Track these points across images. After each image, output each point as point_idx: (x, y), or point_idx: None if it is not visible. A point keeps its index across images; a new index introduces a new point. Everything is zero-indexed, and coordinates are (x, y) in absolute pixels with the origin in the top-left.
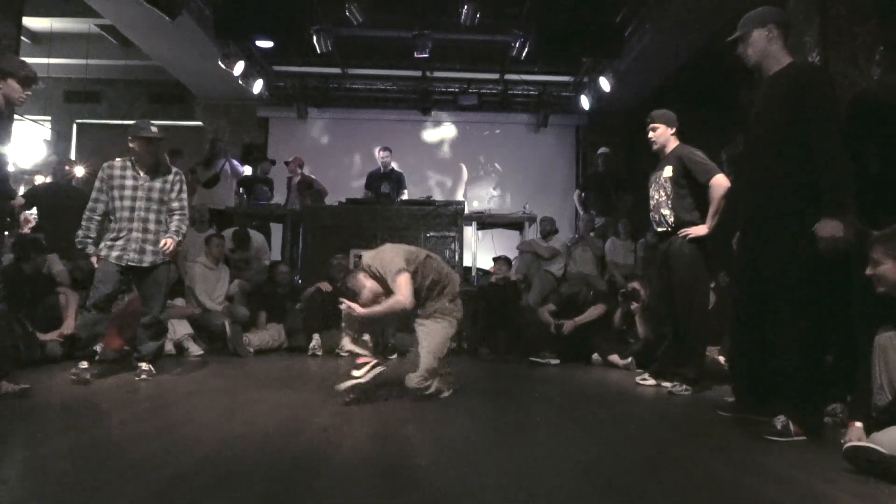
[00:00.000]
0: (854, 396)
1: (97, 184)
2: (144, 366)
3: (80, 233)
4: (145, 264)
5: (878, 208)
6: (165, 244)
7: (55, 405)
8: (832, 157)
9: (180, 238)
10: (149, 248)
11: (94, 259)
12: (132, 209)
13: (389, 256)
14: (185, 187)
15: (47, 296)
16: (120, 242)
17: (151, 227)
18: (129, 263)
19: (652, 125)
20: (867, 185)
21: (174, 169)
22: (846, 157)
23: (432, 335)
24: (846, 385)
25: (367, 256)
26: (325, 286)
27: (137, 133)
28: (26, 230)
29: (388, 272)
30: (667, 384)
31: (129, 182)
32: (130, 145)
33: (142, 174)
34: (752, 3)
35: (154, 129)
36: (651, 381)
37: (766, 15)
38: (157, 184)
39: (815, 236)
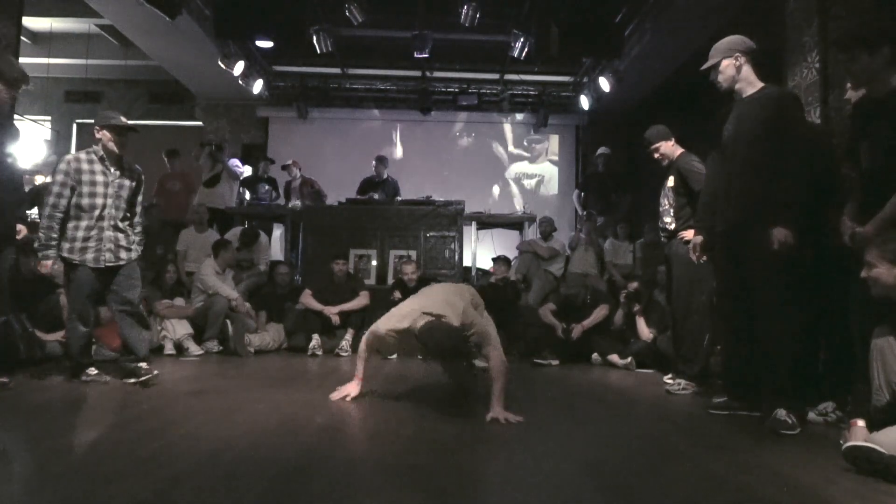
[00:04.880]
0: (854, 396)
1: (61, 178)
2: (144, 366)
3: (42, 234)
4: (122, 262)
5: (874, 207)
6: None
7: (55, 405)
8: (791, 176)
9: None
10: (122, 244)
11: (49, 265)
12: (104, 206)
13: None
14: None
15: (47, 296)
16: (92, 243)
17: (121, 224)
18: (108, 264)
19: (652, 147)
20: (863, 184)
21: (138, 167)
22: (801, 176)
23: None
24: (840, 384)
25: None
26: (308, 300)
27: (107, 122)
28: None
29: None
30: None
31: (99, 178)
32: (98, 136)
33: (111, 170)
34: (751, 2)
35: (123, 118)
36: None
37: (732, 45)
38: (127, 181)
39: (793, 241)
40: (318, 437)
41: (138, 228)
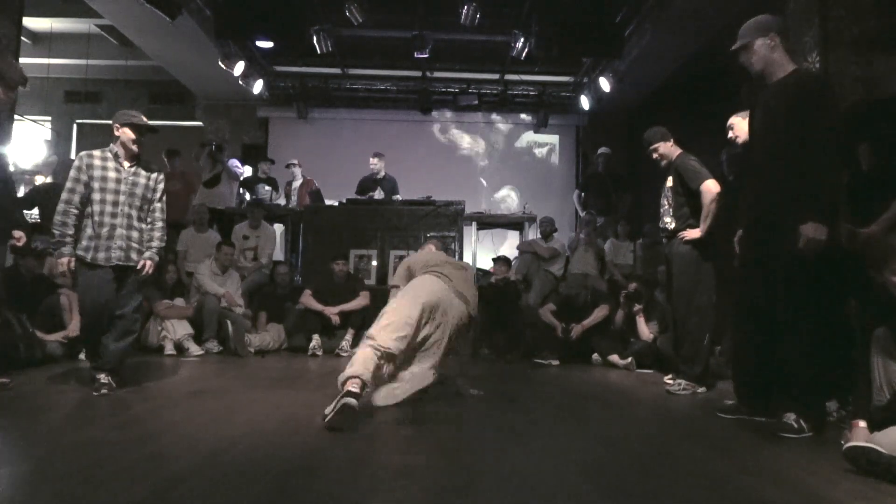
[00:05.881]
0: (855, 396)
1: (74, 173)
2: (103, 377)
3: (56, 230)
4: (132, 263)
5: (873, 208)
6: (144, 266)
7: (55, 405)
8: (823, 167)
9: (157, 259)
10: (134, 245)
11: (64, 262)
12: (115, 203)
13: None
14: (163, 189)
15: (47, 296)
16: (103, 241)
17: (135, 223)
18: (118, 263)
19: (651, 147)
20: (861, 185)
21: (157, 167)
22: (837, 167)
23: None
24: (842, 383)
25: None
26: (308, 300)
27: (128, 120)
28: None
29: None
30: (701, 389)
31: (111, 174)
32: (116, 133)
33: (125, 166)
34: (752, 2)
35: (144, 118)
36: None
37: (767, 24)
38: (142, 179)
39: (824, 237)
40: (318, 437)
41: (160, 223)
